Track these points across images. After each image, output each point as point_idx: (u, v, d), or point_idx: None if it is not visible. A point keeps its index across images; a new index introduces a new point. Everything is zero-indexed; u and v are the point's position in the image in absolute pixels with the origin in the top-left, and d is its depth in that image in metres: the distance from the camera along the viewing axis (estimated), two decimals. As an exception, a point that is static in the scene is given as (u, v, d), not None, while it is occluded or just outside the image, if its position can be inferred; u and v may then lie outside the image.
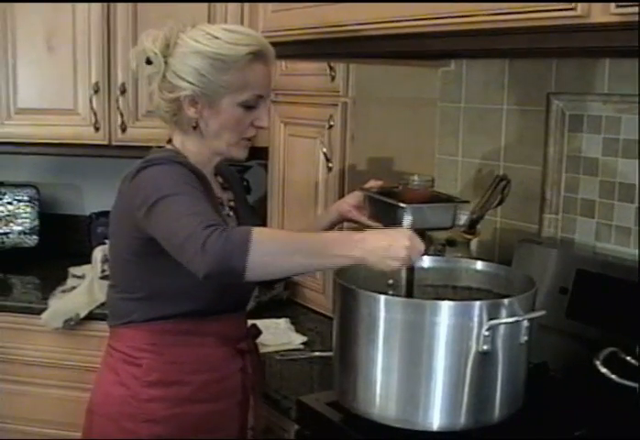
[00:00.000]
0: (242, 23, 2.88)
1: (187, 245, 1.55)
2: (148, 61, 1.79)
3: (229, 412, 1.93)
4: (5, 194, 3.44)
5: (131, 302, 1.85)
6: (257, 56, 1.78)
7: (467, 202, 2.09)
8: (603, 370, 1.72)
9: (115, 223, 1.86)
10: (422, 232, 1.77)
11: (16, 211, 3.45)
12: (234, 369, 1.93)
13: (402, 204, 1.90)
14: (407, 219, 1.89)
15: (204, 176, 1.83)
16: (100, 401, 1.90)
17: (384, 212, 1.98)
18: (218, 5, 2.94)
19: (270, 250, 1.55)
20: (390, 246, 1.57)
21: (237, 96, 1.79)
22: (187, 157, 1.85)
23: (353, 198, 2.08)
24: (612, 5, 1.35)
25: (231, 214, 1.94)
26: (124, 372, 1.86)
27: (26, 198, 3.46)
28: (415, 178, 2.00)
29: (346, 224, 2.18)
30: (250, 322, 2.06)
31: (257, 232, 1.55)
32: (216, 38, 1.77)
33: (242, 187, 2.18)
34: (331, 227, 2.11)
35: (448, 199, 2.03)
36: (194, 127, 1.82)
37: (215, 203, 1.85)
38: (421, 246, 1.61)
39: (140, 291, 1.83)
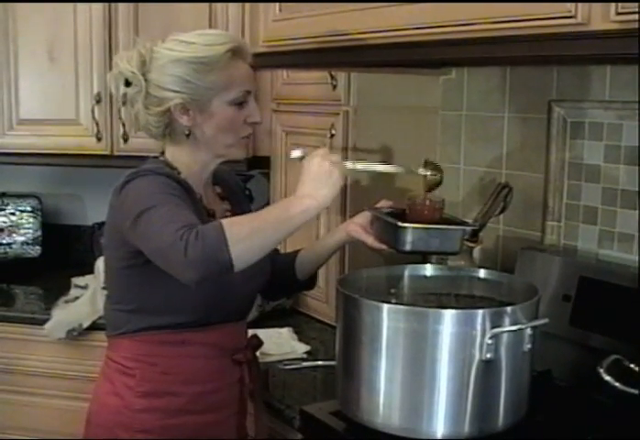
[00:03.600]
0: (243, 32, 2.89)
1: (171, 259, 1.59)
2: (127, 83, 1.80)
3: (226, 423, 1.92)
4: (7, 205, 3.45)
5: (125, 313, 1.85)
6: (235, 53, 1.81)
7: (474, 226, 1.98)
8: (607, 378, 1.71)
9: (107, 235, 1.87)
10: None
11: (19, 221, 3.45)
12: (231, 380, 1.92)
13: (401, 224, 1.84)
14: (407, 240, 1.84)
15: (190, 187, 1.82)
16: (96, 410, 1.91)
17: (387, 232, 1.92)
18: (220, 13, 2.94)
19: (244, 236, 1.58)
20: (324, 175, 1.69)
21: (225, 95, 1.80)
22: (177, 168, 1.85)
23: (361, 218, 2.02)
24: (613, 12, 1.35)
25: None
26: (118, 382, 1.86)
27: (28, 208, 3.47)
28: (426, 197, 1.95)
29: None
30: (252, 332, 2.06)
31: (226, 224, 1.58)
32: (192, 43, 1.79)
33: (245, 196, 2.18)
34: (338, 247, 2.08)
35: (457, 223, 1.95)
36: (188, 135, 1.83)
37: (203, 214, 1.84)
38: (333, 157, 1.73)
39: (133, 302, 1.84)
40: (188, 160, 1.86)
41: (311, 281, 2.14)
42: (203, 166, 1.88)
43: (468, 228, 1.92)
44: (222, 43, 1.79)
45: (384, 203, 2.03)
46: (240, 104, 1.83)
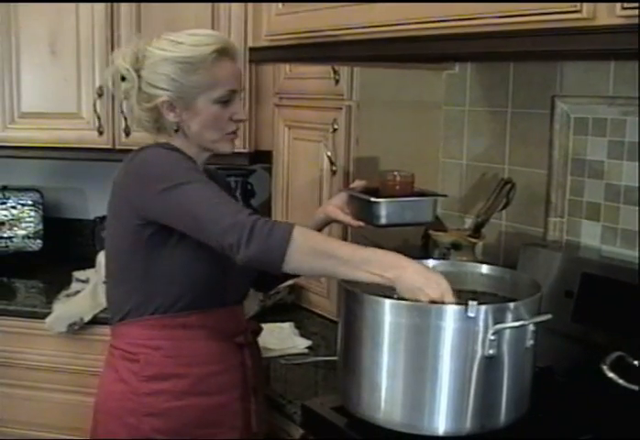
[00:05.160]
0: (246, 26, 2.89)
1: (231, 231, 1.64)
2: (123, 78, 1.87)
3: (231, 405, 1.94)
4: (9, 198, 3.44)
5: (126, 295, 1.88)
6: (221, 53, 1.86)
7: (444, 196, 2.10)
8: (610, 375, 1.71)
9: (111, 212, 1.90)
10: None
11: (21, 215, 3.45)
12: (233, 363, 1.95)
13: (374, 199, 1.95)
14: (382, 214, 1.93)
15: (197, 164, 1.90)
16: (102, 398, 1.94)
17: (363, 209, 2.02)
18: (222, 8, 2.93)
19: (307, 250, 1.65)
20: (421, 285, 1.62)
21: (210, 94, 1.85)
22: None
23: (338, 199, 2.11)
24: (618, 7, 1.34)
25: None
26: (123, 369, 1.89)
27: (30, 202, 3.46)
28: (395, 173, 2.04)
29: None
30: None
31: (298, 230, 1.65)
32: (180, 43, 1.86)
33: (230, 191, 2.22)
34: (319, 229, 2.12)
35: (428, 194, 2.06)
36: (176, 131, 1.89)
37: None
38: (448, 298, 1.63)
39: (133, 281, 1.87)
40: (183, 149, 1.91)
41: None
42: (195, 154, 1.92)
43: (439, 198, 2.06)
44: (208, 44, 1.85)
45: (358, 183, 2.12)
46: (225, 102, 1.88)
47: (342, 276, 1.68)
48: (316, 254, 1.65)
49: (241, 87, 1.94)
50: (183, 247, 1.81)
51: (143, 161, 1.82)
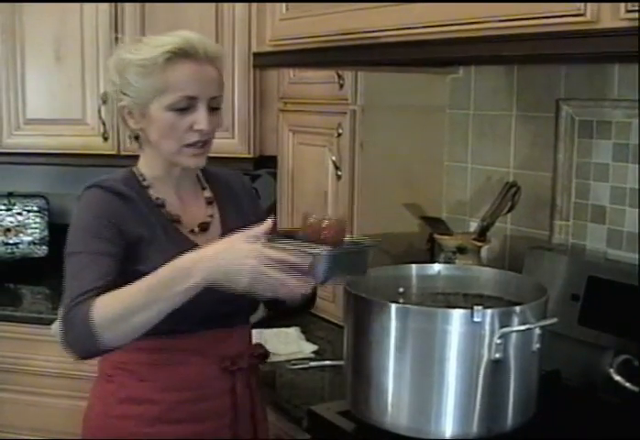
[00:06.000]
0: (250, 31, 2.89)
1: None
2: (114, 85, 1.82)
3: (217, 433, 1.83)
4: (14, 205, 3.45)
5: None
6: (177, 55, 1.71)
7: (332, 246, 1.56)
8: (617, 378, 1.70)
9: None
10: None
11: (26, 221, 3.46)
12: (220, 389, 1.83)
13: None
14: None
15: (145, 196, 1.80)
16: (86, 413, 1.90)
17: None
18: (226, 14, 2.94)
19: (115, 321, 1.57)
20: (240, 261, 1.50)
21: (162, 100, 1.71)
22: (144, 174, 1.83)
23: None
24: (622, 9, 1.34)
25: (196, 230, 1.83)
26: (102, 389, 1.86)
27: (35, 208, 3.47)
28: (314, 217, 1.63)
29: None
30: (259, 331, 2.02)
31: (97, 308, 1.58)
32: (145, 44, 1.75)
33: (252, 198, 2.06)
34: None
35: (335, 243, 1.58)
36: (136, 138, 1.82)
37: (161, 219, 1.80)
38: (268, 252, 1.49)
39: None
40: (151, 165, 1.83)
41: (308, 302, 1.98)
42: (165, 171, 1.82)
43: (328, 252, 1.53)
44: (165, 44, 1.71)
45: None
46: (183, 109, 1.72)
47: (164, 313, 1.56)
48: (123, 317, 1.56)
49: (212, 93, 1.75)
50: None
51: (75, 213, 1.85)
